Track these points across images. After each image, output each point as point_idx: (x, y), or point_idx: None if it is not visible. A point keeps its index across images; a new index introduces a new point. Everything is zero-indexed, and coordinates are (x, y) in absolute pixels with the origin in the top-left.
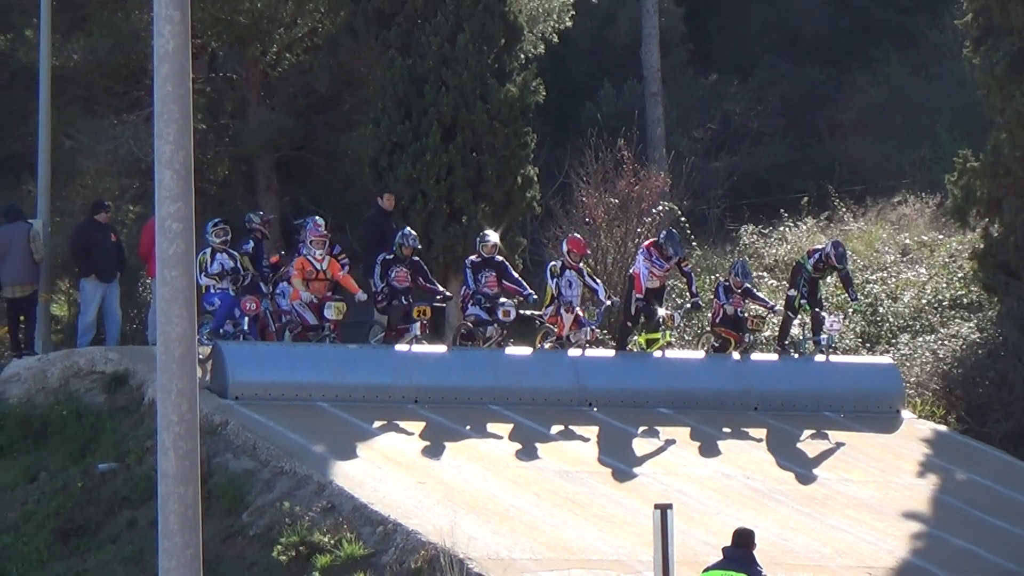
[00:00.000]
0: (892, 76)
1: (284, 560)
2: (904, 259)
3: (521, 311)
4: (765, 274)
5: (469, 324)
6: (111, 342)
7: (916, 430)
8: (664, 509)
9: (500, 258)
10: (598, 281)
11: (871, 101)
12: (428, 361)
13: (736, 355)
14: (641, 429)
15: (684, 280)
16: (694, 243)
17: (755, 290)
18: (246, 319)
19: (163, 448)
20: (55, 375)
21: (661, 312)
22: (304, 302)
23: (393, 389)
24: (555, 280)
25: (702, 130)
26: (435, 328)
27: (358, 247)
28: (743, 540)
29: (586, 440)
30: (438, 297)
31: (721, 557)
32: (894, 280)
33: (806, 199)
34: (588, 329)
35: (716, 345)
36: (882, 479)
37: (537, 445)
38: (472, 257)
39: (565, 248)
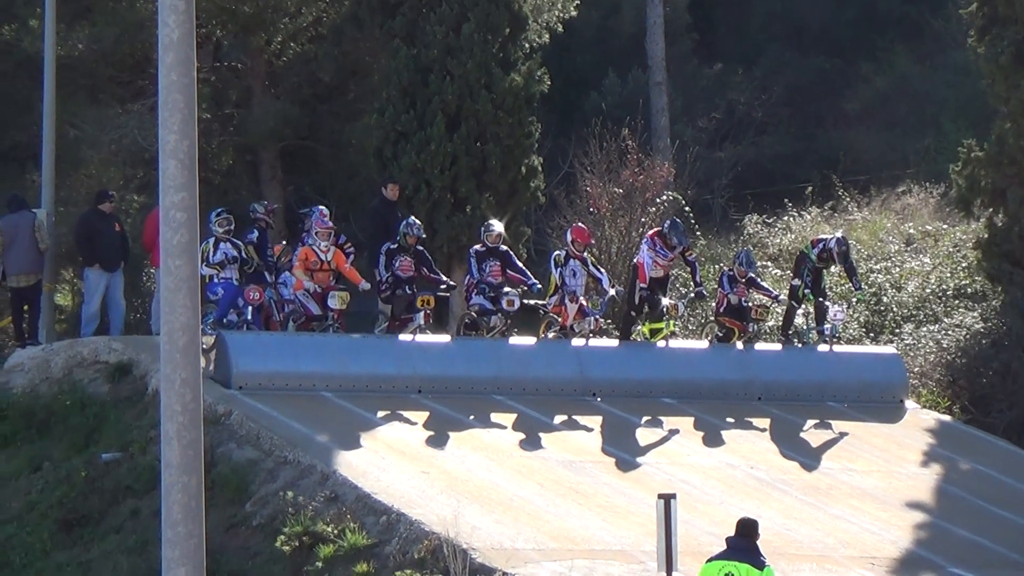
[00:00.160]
0: (897, 66)
1: (287, 550)
2: (908, 249)
3: (525, 301)
4: (769, 264)
5: (473, 314)
6: (115, 332)
7: (920, 420)
8: (668, 499)
9: (504, 247)
10: (602, 271)
11: (876, 91)
12: (432, 351)
13: (740, 345)
14: (645, 419)
15: (688, 270)
16: (698, 233)
17: (759, 280)
18: (250, 308)
19: (167, 438)
20: (59, 365)
21: (665, 302)
22: (308, 292)
23: (397, 379)
24: (559, 270)
25: (706, 120)
26: (439, 318)
27: (362, 237)
28: (747, 530)
29: (590, 430)
30: (442, 287)
31: (725, 547)
32: (898, 270)
33: (810, 189)
34: (592, 319)
35: (720, 335)
36: (886, 469)
37: (541, 435)
38: (476, 246)
39: (569, 237)
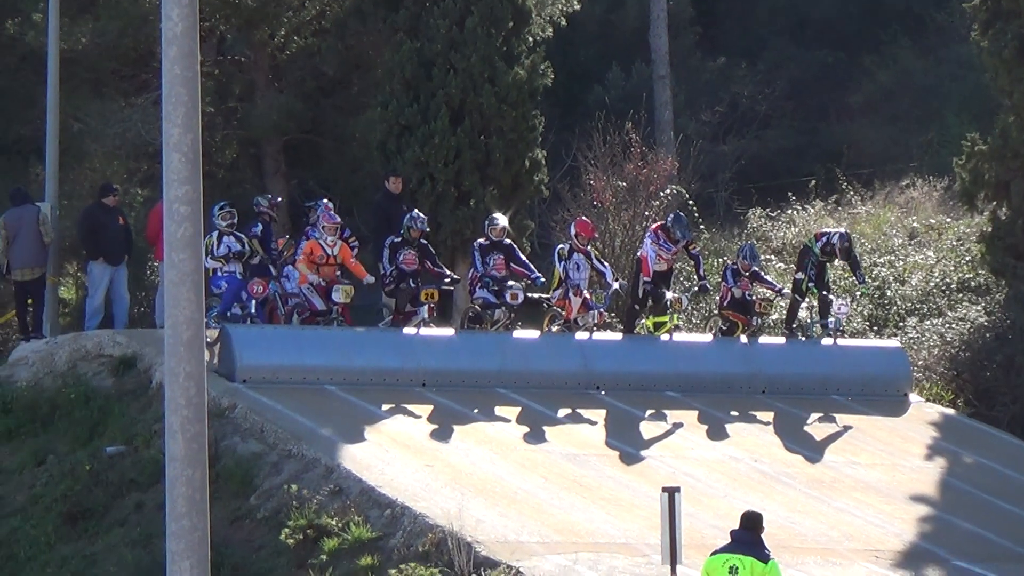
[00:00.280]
0: (900, 59)
1: (292, 543)
2: (912, 242)
3: (529, 294)
4: (773, 257)
5: (477, 307)
6: (119, 325)
7: (924, 413)
8: (672, 492)
9: (508, 241)
10: (606, 264)
11: (879, 84)
12: (436, 344)
13: (744, 338)
14: (649, 412)
15: (691, 263)
16: (702, 226)
17: (763, 273)
18: (254, 302)
19: (171, 431)
20: (63, 358)
21: (669, 295)
22: (312, 285)
23: (401, 372)
24: (563, 263)
25: (710, 113)
26: (443, 311)
27: (366, 230)
28: (751, 523)
29: (594, 423)
30: (446, 280)
31: (729, 540)
32: (902, 263)
33: (814, 182)
34: (596, 312)
35: (724, 328)
36: (890, 462)
37: (545, 428)
38: (480, 240)
39: (573, 231)
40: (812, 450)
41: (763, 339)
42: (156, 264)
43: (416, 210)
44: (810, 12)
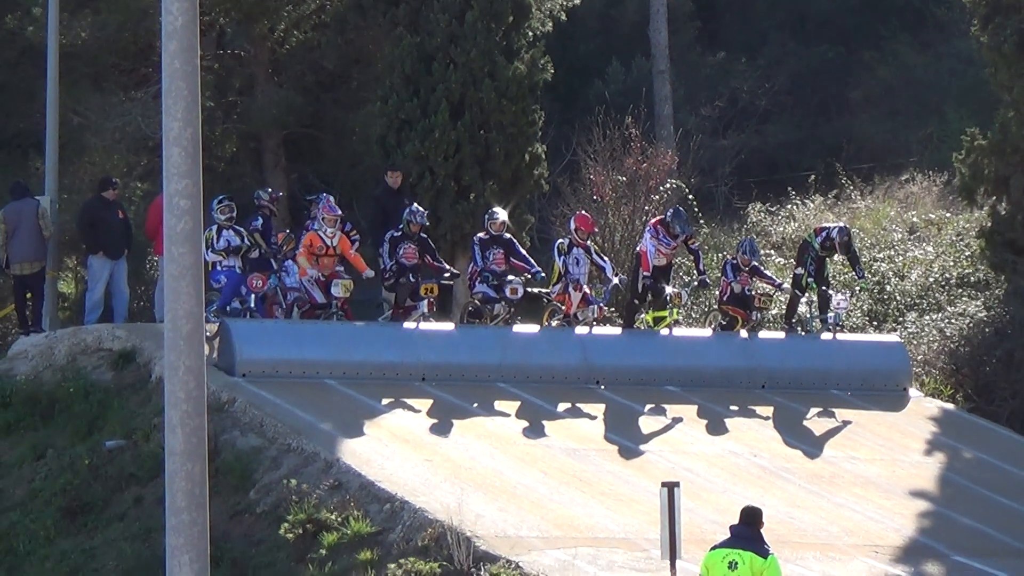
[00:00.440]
0: (900, 54)
1: (291, 538)
2: (911, 237)
3: (529, 289)
4: (772, 252)
5: (477, 302)
6: (118, 319)
7: (923, 408)
8: (671, 487)
9: (508, 235)
10: (605, 259)
11: (879, 79)
12: (436, 339)
13: (743, 333)
14: (648, 407)
15: (691, 258)
16: (701, 221)
17: (762, 268)
18: (253, 296)
19: (170, 425)
20: (62, 352)
21: (669, 290)
22: (311, 279)
23: (400, 367)
24: (562, 258)
25: (710, 108)
26: (443, 306)
27: (365, 224)
28: (750, 518)
29: (593, 418)
30: (445, 275)
31: (728, 535)
32: (901, 258)
33: (814, 177)
34: (595, 307)
35: (723, 323)
36: (889, 457)
37: (544, 423)
38: (480, 234)
39: (573, 226)
40: (812, 445)
41: (763, 334)
42: (156, 258)
43: (416, 204)
44: (810, 7)
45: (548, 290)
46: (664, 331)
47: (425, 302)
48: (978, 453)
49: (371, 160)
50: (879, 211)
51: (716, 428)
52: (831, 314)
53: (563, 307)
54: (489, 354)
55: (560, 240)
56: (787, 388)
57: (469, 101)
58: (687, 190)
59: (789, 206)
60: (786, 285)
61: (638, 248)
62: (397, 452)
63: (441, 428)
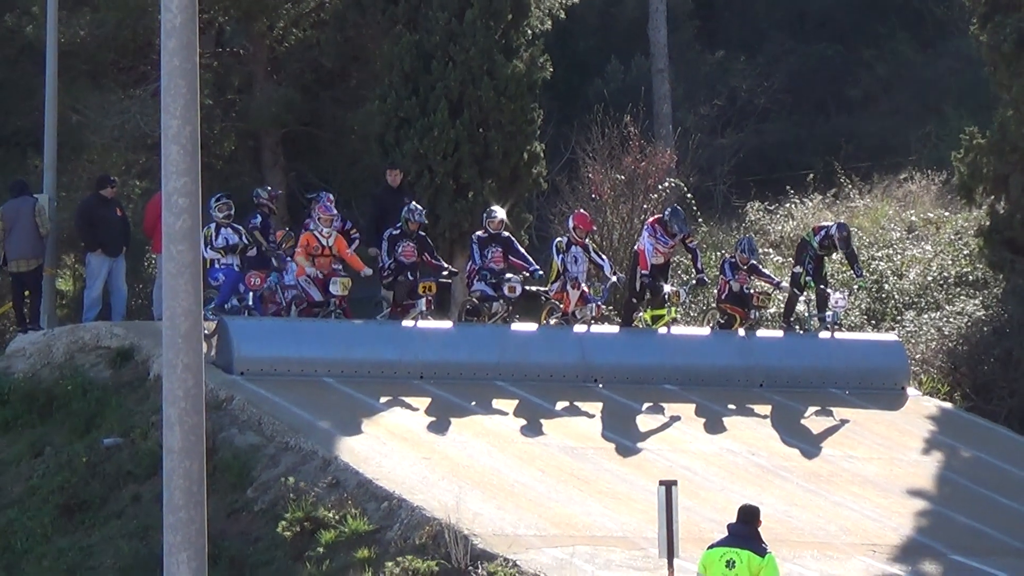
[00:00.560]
0: (899, 53)
1: (289, 535)
2: (910, 236)
3: (527, 287)
4: (771, 251)
5: (475, 300)
6: (117, 317)
7: (921, 407)
8: (669, 486)
9: (506, 234)
10: (604, 257)
11: (878, 78)
12: (434, 337)
13: (741, 331)
14: (646, 405)
15: (689, 256)
16: (700, 220)
17: (761, 267)
18: (251, 294)
19: (168, 423)
20: (60, 350)
21: (667, 288)
22: (309, 277)
23: (399, 365)
24: (561, 256)
25: (708, 106)
26: (441, 304)
27: (363, 223)
28: (748, 517)
29: (591, 416)
30: (444, 273)
31: (726, 534)
32: (900, 257)
33: (812, 176)
34: (593, 305)
35: (722, 321)
36: (887, 456)
37: (542, 421)
38: (478, 233)
39: (571, 224)
40: (809, 443)
41: (761, 332)
42: (154, 256)
43: (414, 202)
44: (809, 5)
45: (546, 288)
46: (662, 330)
47: (423, 300)
48: (976, 452)
49: (370, 158)
50: (878, 210)
51: (714, 427)
52: (829, 313)
53: (561, 305)
54: (487, 352)
55: (558, 238)
56: (785, 387)
57: (468, 99)
58: (686, 189)
59: (788, 205)
60: (784, 284)
61: (636, 247)
62: (395, 450)
63: (439, 426)
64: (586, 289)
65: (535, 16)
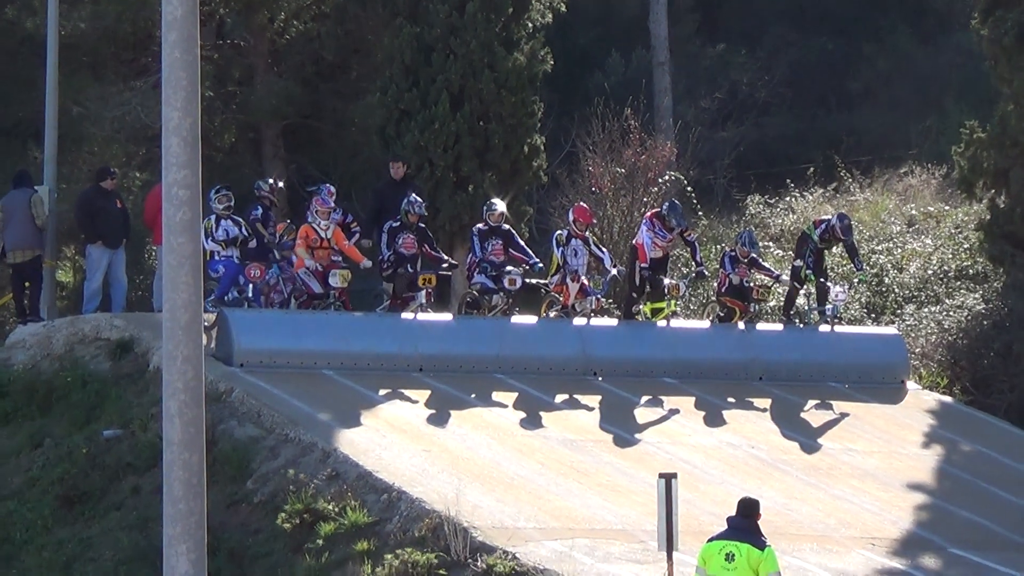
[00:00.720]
0: (900, 46)
1: (288, 527)
2: (910, 230)
3: (527, 280)
4: (771, 244)
5: (475, 292)
6: (117, 309)
7: (921, 401)
8: (669, 478)
9: (507, 227)
10: (604, 250)
11: (878, 71)
12: (434, 329)
13: (741, 325)
14: (646, 398)
15: (688, 250)
16: (700, 213)
17: (761, 260)
18: (251, 286)
19: (168, 415)
20: (60, 341)
21: (667, 281)
22: (309, 270)
23: (399, 357)
24: (561, 249)
25: (709, 100)
26: (441, 296)
27: (364, 215)
28: (747, 510)
29: (591, 409)
30: (444, 265)
31: (726, 527)
32: (900, 251)
33: (813, 169)
34: (593, 298)
35: (721, 315)
36: (887, 449)
37: (542, 414)
38: (479, 225)
39: (571, 217)
40: (809, 437)
41: (761, 326)
42: (154, 248)
43: (414, 194)
44: None
45: (546, 281)
46: (662, 323)
47: (423, 292)
48: (976, 446)
49: (370, 151)
50: (878, 203)
51: (714, 420)
52: (829, 306)
53: (561, 298)
54: (487, 345)
55: (558, 231)
56: (785, 380)
57: (468, 92)
58: (686, 182)
59: (788, 198)
60: (785, 277)
61: (634, 241)
62: (395, 442)
63: (439, 419)
64: (586, 282)
65: (536, 9)
